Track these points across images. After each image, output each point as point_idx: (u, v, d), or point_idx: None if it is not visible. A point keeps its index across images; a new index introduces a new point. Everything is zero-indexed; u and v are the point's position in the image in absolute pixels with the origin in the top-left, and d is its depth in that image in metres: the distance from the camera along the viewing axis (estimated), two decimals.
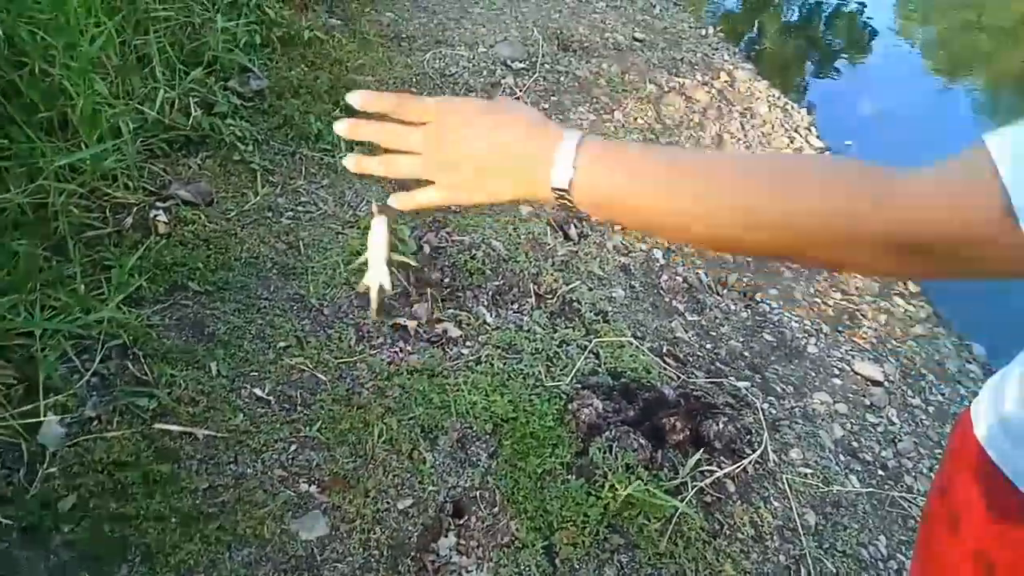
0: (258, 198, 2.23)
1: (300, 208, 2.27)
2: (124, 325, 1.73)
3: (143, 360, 1.69)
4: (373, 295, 0.76)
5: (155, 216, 2.07)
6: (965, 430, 0.75)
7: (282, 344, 1.83)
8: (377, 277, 0.75)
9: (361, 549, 1.50)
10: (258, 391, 1.71)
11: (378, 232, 0.74)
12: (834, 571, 1.74)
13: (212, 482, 1.52)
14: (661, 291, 2.44)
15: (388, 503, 1.58)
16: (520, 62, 3.29)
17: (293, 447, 1.62)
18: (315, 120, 2.54)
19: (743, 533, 1.73)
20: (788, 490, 1.86)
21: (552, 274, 2.29)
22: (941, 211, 0.50)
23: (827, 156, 0.73)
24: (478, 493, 1.65)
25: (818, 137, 3.52)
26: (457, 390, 1.83)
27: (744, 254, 0.63)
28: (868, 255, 0.54)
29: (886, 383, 2.34)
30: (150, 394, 1.62)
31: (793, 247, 0.55)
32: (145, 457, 1.51)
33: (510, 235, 2.41)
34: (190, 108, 2.38)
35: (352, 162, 0.70)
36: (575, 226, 2.55)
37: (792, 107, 3.67)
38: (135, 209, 2.07)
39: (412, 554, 1.52)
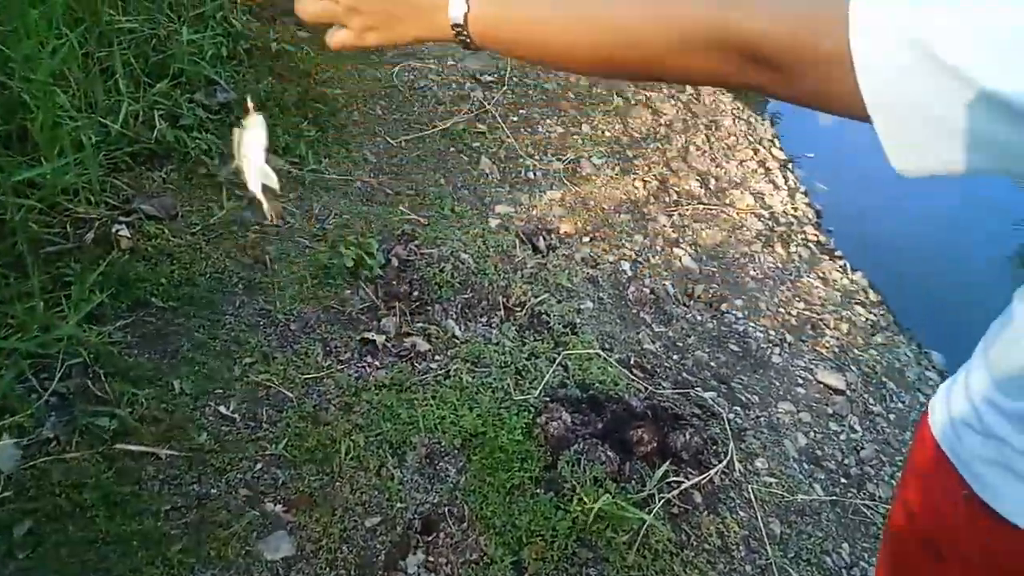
0: (224, 212, 2.20)
1: (267, 222, 2.25)
2: (85, 343, 1.70)
3: (104, 379, 1.66)
4: (261, 197, 0.74)
5: (117, 231, 2.04)
6: (923, 436, 0.78)
7: (248, 360, 1.82)
8: (260, 177, 0.73)
9: (328, 569, 1.48)
10: (223, 409, 1.69)
11: (255, 131, 0.72)
12: None
13: (175, 503, 1.49)
14: (628, 303, 2.47)
15: (355, 521, 1.57)
16: (489, 75, 3.31)
17: (258, 466, 1.60)
18: (283, 133, 2.52)
19: (710, 544, 1.75)
20: (754, 499, 1.89)
21: (521, 286, 2.30)
22: (791, 21, 0.50)
23: None
24: (447, 509, 1.64)
25: (780, 149, 3.59)
26: (425, 405, 1.83)
27: (619, 73, 0.66)
28: (721, 61, 0.54)
29: (848, 391, 2.39)
30: (111, 413, 1.59)
31: (658, 57, 0.57)
32: (105, 479, 1.48)
33: (479, 248, 2.41)
34: (155, 121, 2.35)
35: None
36: (544, 238, 2.57)
37: (756, 119, 3.74)
38: (97, 224, 2.03)
39: (380, 573, 1.51)
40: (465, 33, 0.62)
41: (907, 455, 0.85)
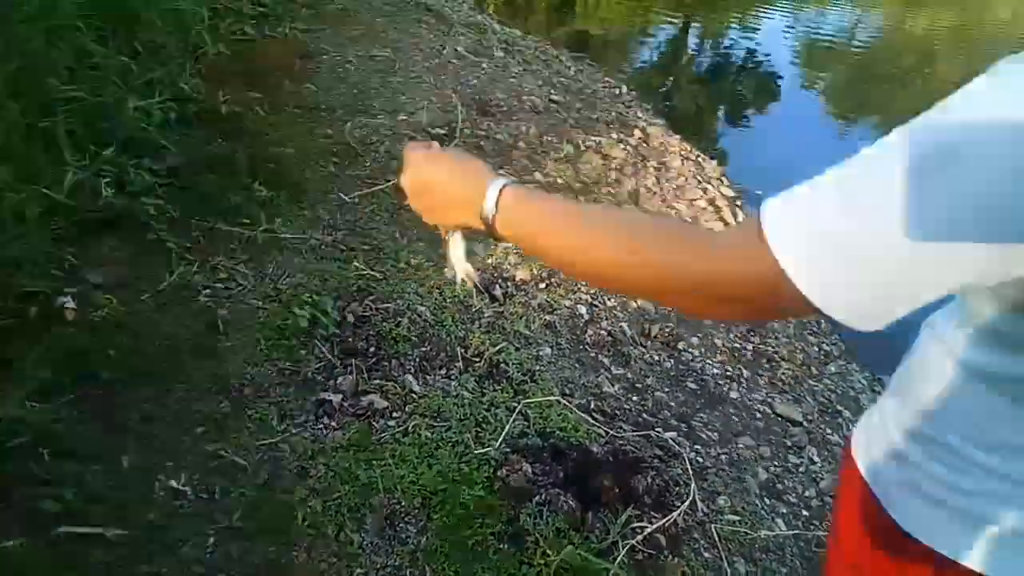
0: (173, 277, 2.18)
1: (219, 285, 2.24)
2: (28, 423, 1.65)
3: (47, 459, 1.61)
4: (470, 283, 0.97)
5: (63, 303, 2.00)
6: (847, 466, 0.82)
7: (199, 430, 1.78)
8: (464, 269, 0.95)
9: None
10: (173, 482, 1.64)
11: (456, 242, 0.94)
12: None
13: None
14: (587, 346, 2.49)
15: None
16: (440, 128, 3.37)
17: (211, 540, 1.56)
18: (233, 195, 2.52)
19: None
20: (718, 539, 1.89)
21: (479, 336, 2.31)
22: (739, 264, 0.57)
23: (671, 218, 0.99)
24: (408, 572, 1.62)
25: (728, 187, 3.69)
26: (384, 464, 1.81)
27: (621, 291, 1.01)
28: (702, 302, 0.63)
29: (805, 422, 2.43)
30: (56, 495, 1.54)
31: (650, 289, 0.69)
32: (49, 566, 1.43)
33: (436, 299, 2.42)
34: (100, 188, 2.33)
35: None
36: (501, 287, 2.59)
37: (703, 159, 3.85)
38: (41, 296, 2.00)
39: None
40: (493, 229, 0.74)
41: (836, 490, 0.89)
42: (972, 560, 0.67)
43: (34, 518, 1.49)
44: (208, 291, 2.21)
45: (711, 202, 3.48)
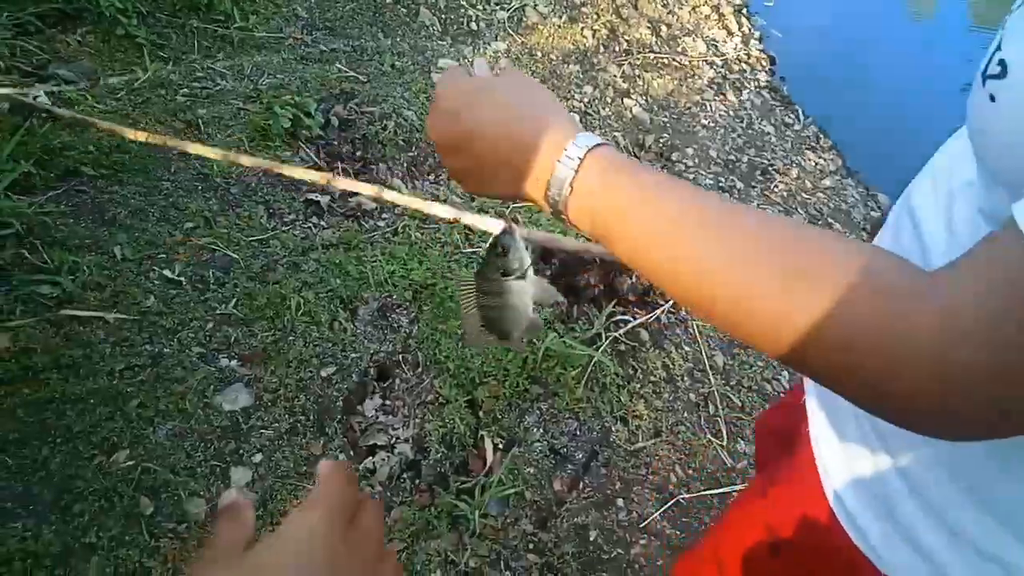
0: (148, 74, 2.08)
1: (196, 84, 2.14)
2: (16, 213, 1.65)
3: (41, 248, 1.63)
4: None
5: (36, 98, 1.92)
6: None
7: (189, 225, 1.79)
8: (531, 321, 0.62)
9: (287, 415, 1.54)
10: (168, 272, 1.67)
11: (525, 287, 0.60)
12: (740, 404, 1.88)
13: (128, 363, 1.51)
14: None
15: (311, 372, 1.62)
16: None
17: (210, 325, 1.62)
18: None
19: (655, 376, 1.84)
20: (698, 335, 1.97)
21: None
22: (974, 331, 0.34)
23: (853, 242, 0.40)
24: (401, 357, 1.70)
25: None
26: (374, 261, 1.84)
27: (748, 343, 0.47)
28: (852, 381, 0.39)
29: None
30: (52, 281, 1.57)
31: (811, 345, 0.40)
32: (54, 343, 1.49)
33: (423, 104, 2.34)
34: None
35: None
36: None
37: None
38: (12, 90, 1.92)
39: (339, 417, 1.57)
40: (562, 213, 0.50)
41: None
42: None
43: (35, 301, 1.53)
44: (186, 90, 2.12)
45: (715, 9, 3.28)
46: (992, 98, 0.40)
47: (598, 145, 0.48)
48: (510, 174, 0.52)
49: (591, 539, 1.53)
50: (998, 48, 0.40)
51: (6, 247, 1.62)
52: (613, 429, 1.69)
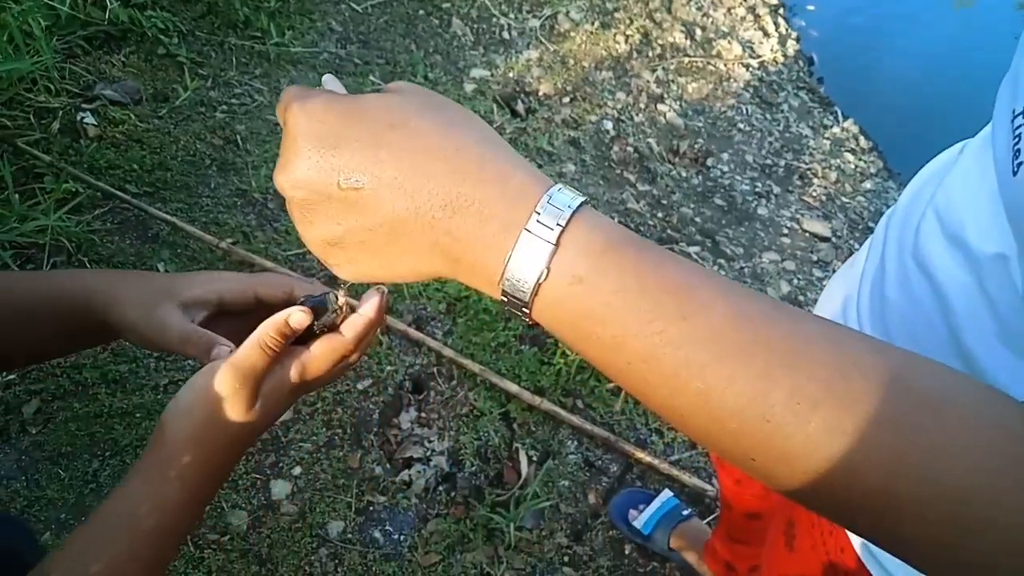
0: (188, 92, 2.14)
1: (234, 101, 2.19)
2: (66, 232, 1.71)
3: (89, 265, 1.68)
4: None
5: (82, 119, 1.99)
6: None
7: (229, 240, 1.83)
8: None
9: (325, 428, 1.57)
10: None
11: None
12: None
13: (172, 378, 1.55)
14: (612, 163, 2.44)
15: (348, 385, 1.64)
16: None
17: None
18: (241, 5, 2.40)
19: None
20: None
21: None
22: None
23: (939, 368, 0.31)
24: (435, 369, 1.71)
25: None
26: None
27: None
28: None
29: (833, 238, 2.41)
30: None
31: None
32: (103, 359, 1.54)
33: None
34: (105, 1, 2.23)
35: None
36: (522, 101, 2.50)
37: None
38: (61, 113, 1.99)
39: (375, 429, 1.59)
40: (522, 307, 0.34)
41: None
42: None
43: None
44: (224, 107, 2.17)
45: (751, 10, 3.23)
46: None
47: (581, 205, 0.33)
48: (425, 245, 0.33)
49: (626, 552, 1.52)
50: None
51: (57, 265, 1.68)
52: (648, 442, 1.68)
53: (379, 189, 0.33)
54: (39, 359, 0.66)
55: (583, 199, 0.34)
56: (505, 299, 0.34)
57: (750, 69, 2.96)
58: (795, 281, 2.23)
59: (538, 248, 0.32)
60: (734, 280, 0.33)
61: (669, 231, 2.25)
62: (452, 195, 0.33)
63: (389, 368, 1.68)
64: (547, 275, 0.32)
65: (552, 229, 0.32)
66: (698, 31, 3.04)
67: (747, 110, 2.79)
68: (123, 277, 0.55)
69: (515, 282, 0.33)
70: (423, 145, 0.33)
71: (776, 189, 2.55)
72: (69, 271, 0.61)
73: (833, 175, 2.69)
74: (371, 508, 1.48)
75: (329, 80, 0.39)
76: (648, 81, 2.75)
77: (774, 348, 0.30)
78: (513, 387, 1.66)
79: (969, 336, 0.44)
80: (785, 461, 0.30)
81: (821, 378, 0.30)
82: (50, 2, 2.14)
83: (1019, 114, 0.37)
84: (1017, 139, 0.36)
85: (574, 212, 0.32)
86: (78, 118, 1.98)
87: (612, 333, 0.32)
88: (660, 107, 2.68)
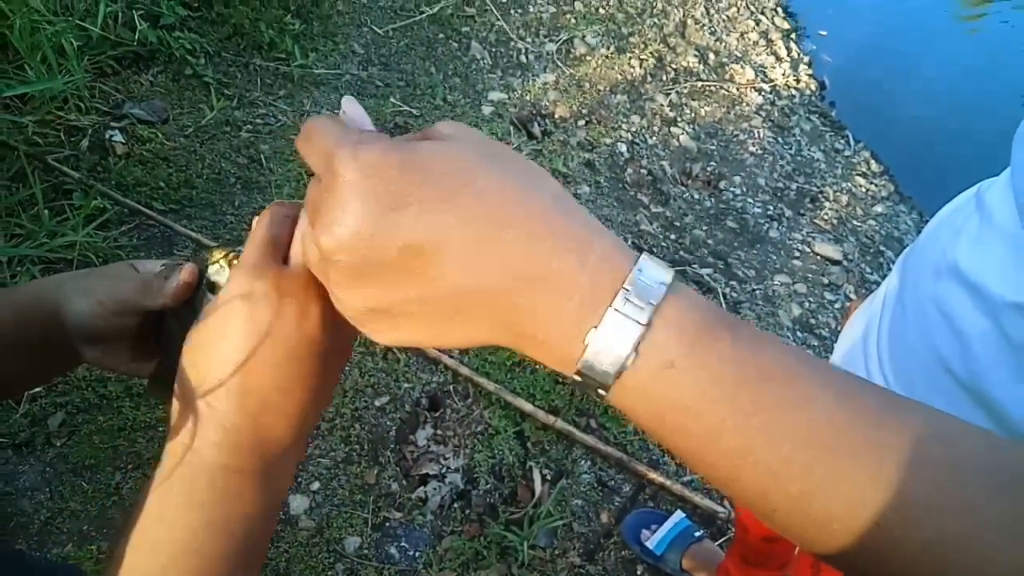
0: (214, 112, 2.19)
1: (259, 121, 2.25)
2: (93, 248, 1.76)
3: None
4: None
5: (111, 137, 2.05)
6: None
7: None
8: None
9: (343, 444, 1.59)
10: None
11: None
12: None
13: None
14: (626, 185, 2.47)
15: (366, 401, 1.67)
16: None
17: None
18: (266, 28, 2.46)
19: None
20: None
21: None
22: None
23: None
24: (451, 387, 1.74)
25: (784, 19, 3.44)
26: None
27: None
28: None
29: (845, 261, 2.43)
30: None
31: None
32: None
33: None
34: (135, 22, 2.30)
35: None
36: (539, 123, 2.54)
37: None
38: (90, 131, 2.04)
39: (392, 446, 1.62)
40: (600, 390, 0.30)
41: None
42: None
43: None
44: (249, 127, 2.22)
45: (764, 35, 3.27)
46: None
47: (673, 281, 0.30)
48: (488, 319, 0.30)
49: (638, 573, 1.53)
50: None
51: None
52: (661, 462, 1.70)
53: (443, 258, 0.29)
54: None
55: (673, 272, 0.30)
56: (579, 378, 0.30)
57: (762, 93, 3.00)
58: (806, 304, 2.25)
59: (627, 329, 0.28)
60: (823, 362, 0.31)
61: (682, 253, 2.28)
62: (525, 267, 0.29)
63: (406, 385, 1.71)
64: (635, 357, 0.29)
65: (643, 309, 0.29)
66: (711, 55, 3.08)
67: (759, 133, 2.83)
68: (70, 276, 0.52)
69: (596, 364, 0.29)
70: (492, 209, 0.29)
71: (788, 212, 2.58)
72: (25, 284, 0.56)
73: (844, 198, 2.71)
74: (387, 524, 1.50)
75: (347, 102, 0.36)
76: (662, 104, 2.79)
77: (886, 445, 0.28)
78: (528, 406, 1.69)
79: (988, 378, 0.46)
80: (882, 563, 0.29)
81: (934, 481, 0.28)
82: (82, 23, 2.20)
83: None
84: None
85: (668, 289, 0.29)
86: (107, 136, 2.04)
87: (705, 425, 0.29)
88: (673, 130, 2.71)
